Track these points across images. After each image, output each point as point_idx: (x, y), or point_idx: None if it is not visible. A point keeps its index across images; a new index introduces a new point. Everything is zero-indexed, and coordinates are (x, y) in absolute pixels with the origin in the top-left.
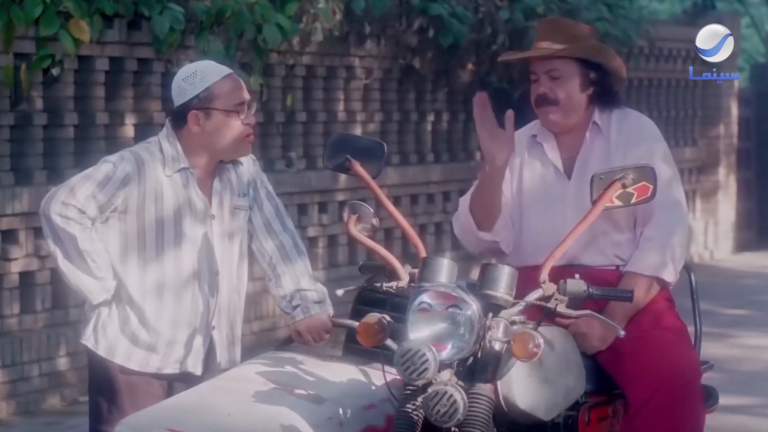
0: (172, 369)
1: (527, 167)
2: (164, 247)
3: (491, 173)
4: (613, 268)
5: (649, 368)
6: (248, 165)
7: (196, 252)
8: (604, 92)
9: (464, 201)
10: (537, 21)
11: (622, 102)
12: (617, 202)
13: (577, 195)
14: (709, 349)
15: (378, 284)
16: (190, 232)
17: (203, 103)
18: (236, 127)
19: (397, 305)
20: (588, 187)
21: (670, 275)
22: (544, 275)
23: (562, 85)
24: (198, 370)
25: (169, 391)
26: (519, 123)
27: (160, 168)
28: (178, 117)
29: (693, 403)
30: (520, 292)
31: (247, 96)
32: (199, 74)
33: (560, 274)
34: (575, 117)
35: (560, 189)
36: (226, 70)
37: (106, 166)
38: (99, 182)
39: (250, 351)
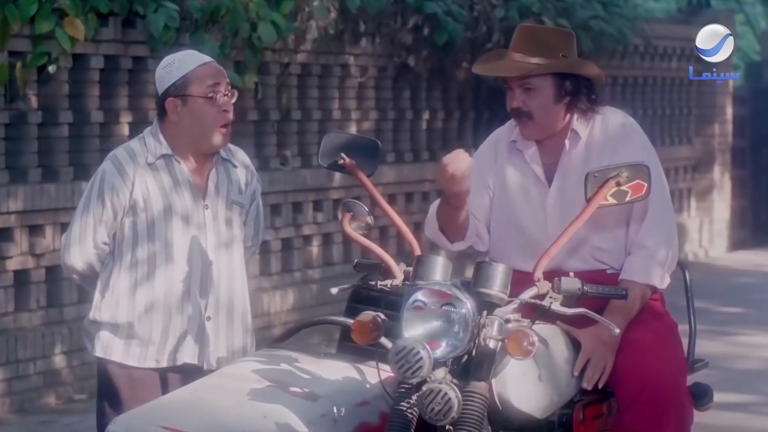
0: (169, 361)
1: (508, 173)
2: (154, 236)
3: (452, 201)
4: (598, 271)
5: (636, 367)
6: (251, 173)
7: (187, 242)
8: (581, 99)
9: (433, 217)
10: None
11: (603, 104)
12: (611, 200)
13: (557, 202)
14: (703, 347)
15: (372, 282)
16: (180, 222)
17: (179, 90)
18: (212, 113)
19: (391, 303)
20: (567, 193)
21: (663, 282)
22: (539, 273)
23: (536, 98)
24: (197, 362)
25: (172, 385)
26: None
27: (142, 158)
28: (160, 107)
29: (679, 401)
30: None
31: (224, 84)
32: (176, 62)
33: (547, 278)
34: (553, 127)
35: (541, 196)
36: (204, 58)
37: (95, 193)
38: (98, 216)
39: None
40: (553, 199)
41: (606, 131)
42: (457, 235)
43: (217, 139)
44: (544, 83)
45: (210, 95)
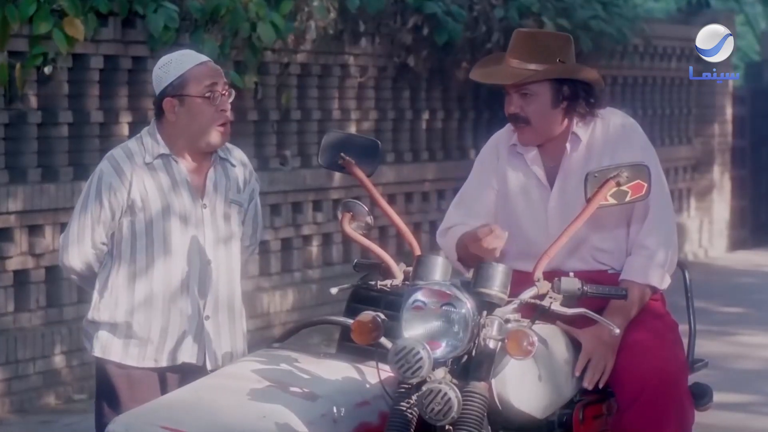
0: (168, 361)
1: (509, 176)
2: (152, 235)
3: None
4: (599, 271)
5: (636, 367)
6: (250, 172)
7: (186, 241)
8: (580, 104)
9: (452, 234)
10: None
11: (603, 106)
12: (611, 201)
13: (559, 205)
14: (703, 347)
15: (372, 282)
16: (177, 221)
17: (177, 90)
18: (209, 113)
19: (391, 303)
20: (569, 195)
21: (663, 282)
22: (539, 273)
23: (532, 103)
24: (196, 361)
25: (171, 385)
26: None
27: (140, 158)
28: (158, 107)
29: (679, 401)
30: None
31: (221, 83)
32: (173, 62)
33: (547, 279)
34: (550, 132)
35: (542, 199)
36: (201, 57)
37: (93, 193)
38: (96, 216)
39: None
40: (555, 202)
41: (606, 132)
42: (475, 264)
43: (216, 138)
44: (541, 89)
45: (207, 95)
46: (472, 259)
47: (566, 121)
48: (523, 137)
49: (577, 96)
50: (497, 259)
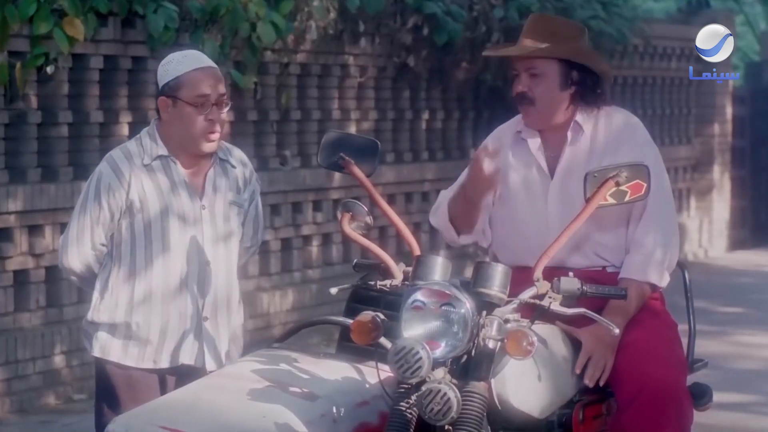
0: (167, 362)
1: (512, 165)
2: (151, 236)
3: (472, 197)
4: (599, 269)
5: (635, 367)
6: (250, 173)
7: (185, 242)
8: (587, 92)
9: (443, 205)
10: (530, 15)
11: (607, 101)
12: (611, 200)
13: (559, 194)
14: (703, 347)
15: (372, 282)
16: (177, 222)
17: (171, 90)
18: (196, 121)
19: (391, 303)
20: (569, 187)
21: (662, 280)
22: (538, 273)
23: (541, 84)
24: (194, 362)
25: (170, 386)
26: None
27: (138, 159)
28: (157, 104)
29: (679, 401)
30: (509, 292)
31: (214, 91)
32: (174, 62)
33: (548, 276)
34: (555, 116)
35: (543, 188)
36: (202, 62)
37: (92, 194)
38: (95, 217)
39: (244, 349)
40: (555, 191)
41: (609, 130)
42: (466, 228)
43: (205, 146)
44: (550, 69)
45: (197, 103)
46: (465, 215)
47: (571, 107)
48: (528, 119)
49: (585, 83)
50: (495, 256)
